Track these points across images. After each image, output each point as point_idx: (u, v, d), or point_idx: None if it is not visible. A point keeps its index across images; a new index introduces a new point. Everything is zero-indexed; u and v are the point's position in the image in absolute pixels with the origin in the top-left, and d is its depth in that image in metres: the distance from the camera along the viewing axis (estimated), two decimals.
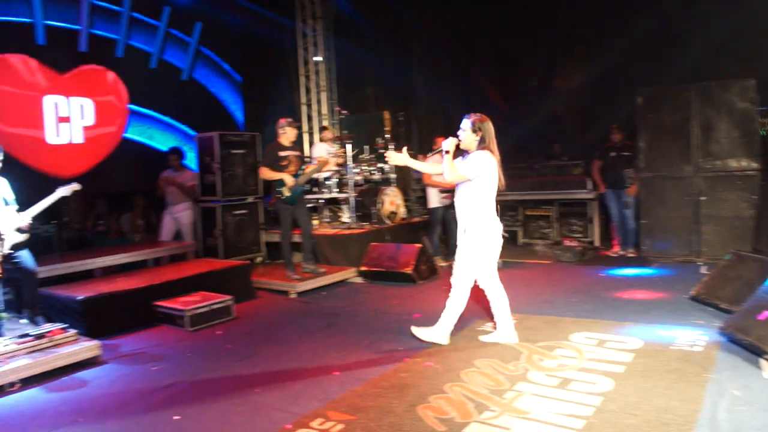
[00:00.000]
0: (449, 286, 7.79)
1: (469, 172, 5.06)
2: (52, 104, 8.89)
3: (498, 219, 5.24)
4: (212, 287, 7.04)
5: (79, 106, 9.20)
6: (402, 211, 10.11)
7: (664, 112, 8.65)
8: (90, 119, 9.32)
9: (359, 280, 8.39)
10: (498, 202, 9.46)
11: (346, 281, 8.36)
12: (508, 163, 10.81)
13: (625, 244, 9.31)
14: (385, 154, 5.88)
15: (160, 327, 6.52)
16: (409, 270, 7.92)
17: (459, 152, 5.33)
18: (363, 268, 8.36)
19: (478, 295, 7.18)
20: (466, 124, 5.17)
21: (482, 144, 5.12)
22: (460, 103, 11.94)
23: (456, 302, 5.36)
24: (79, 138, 9.20)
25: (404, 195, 10.37)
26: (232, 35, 11.92)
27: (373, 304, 7.13)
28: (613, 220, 9.51)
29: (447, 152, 5.13)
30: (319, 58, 12.35)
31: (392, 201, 9.79)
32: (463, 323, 5.91)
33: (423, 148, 11.43)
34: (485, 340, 5.44)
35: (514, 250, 10.30)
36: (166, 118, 10.69)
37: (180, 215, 9.23)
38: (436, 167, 5.57)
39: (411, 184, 10.91)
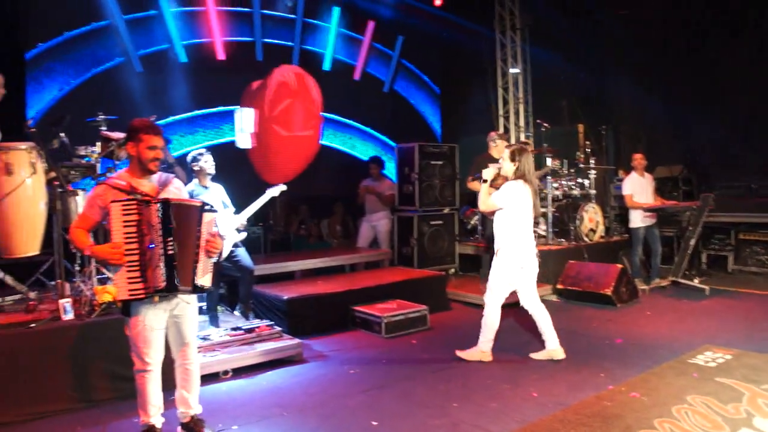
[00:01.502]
0: (652, 311, 7.41)
1: (499, 201, 5.37)
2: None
3: (533, 244, 5.50)
4: (408, 296, 7.15)
5: None
6: (601, 229, 9.67)
7: None
8: None
9: (554, 298, 8.13)
10: (706, 224, 8.67)
11: (541, 298, 8.09)
12: (717, 182, 10.09)
13: None
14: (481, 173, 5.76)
15: (356, 331, 6.72)
16: (608, 291, 7.55)
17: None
18: (559, 286, 8.11)
19: (675, 325, 6.69)
20: (506, 152, 5.43)
21: (518, 173, 5.35)
22: (665, 118, 11.20)
23: (488, 319, 5.55)
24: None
25: (603, 212, 9.91)
26: (432, 47, 12.12)
27: (570, 324, 6.83)
28: None
29: (485, 181, 5.41)
30: (516, 70, 12.18)
31: (591, 218, 9.39)
32: (671, 353, 5.54)
33: (622, 163, 10.90)
34: (536, 357, 5.57)
35: (725, 277, 9.47)
36: (368, 129, 11.11)
37: (378, 223, 9.48)
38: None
39: (610, 200, 10.41)
